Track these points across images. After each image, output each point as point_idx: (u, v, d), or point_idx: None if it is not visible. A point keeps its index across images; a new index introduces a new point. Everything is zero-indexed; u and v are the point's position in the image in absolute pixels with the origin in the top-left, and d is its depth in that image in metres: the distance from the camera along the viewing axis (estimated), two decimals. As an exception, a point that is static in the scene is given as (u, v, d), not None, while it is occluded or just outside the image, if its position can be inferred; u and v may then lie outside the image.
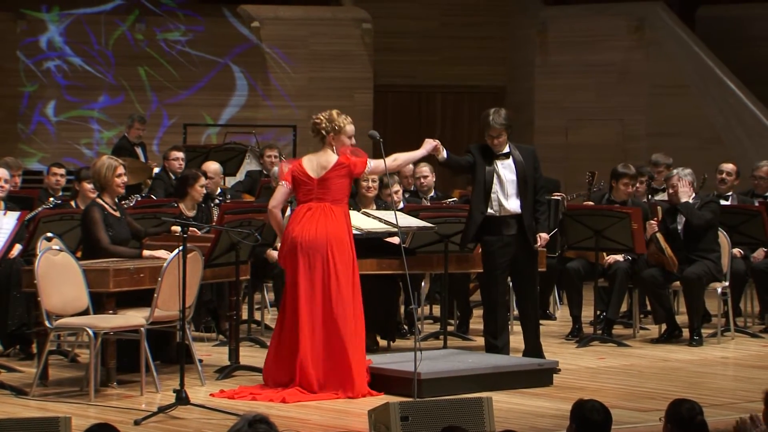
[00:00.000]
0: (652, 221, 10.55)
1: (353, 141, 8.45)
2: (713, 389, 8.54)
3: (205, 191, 10.66)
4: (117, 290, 8.31)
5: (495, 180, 9.09)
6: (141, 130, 14.45)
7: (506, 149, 9.16)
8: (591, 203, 11.22)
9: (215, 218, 10.64)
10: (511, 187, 9.10)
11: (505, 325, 9.33)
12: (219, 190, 11.96)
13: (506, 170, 9.11)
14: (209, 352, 9.73)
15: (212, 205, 11.09)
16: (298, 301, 8.19)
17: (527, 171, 9.12)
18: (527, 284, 9.28)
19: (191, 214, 10.43)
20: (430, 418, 6.16)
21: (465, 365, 8.49)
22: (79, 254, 8.93)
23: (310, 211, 8.25)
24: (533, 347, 9.26)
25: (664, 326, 10.68)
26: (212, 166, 11.79)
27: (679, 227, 10.56)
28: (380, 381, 8.20)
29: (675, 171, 10.68)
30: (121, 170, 8.87)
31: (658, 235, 10.46)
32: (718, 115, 17.57)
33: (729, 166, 11.83)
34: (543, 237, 9.22)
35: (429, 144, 8.71)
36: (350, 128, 8.40)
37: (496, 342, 9.17)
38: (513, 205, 9.10)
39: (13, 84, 17.62)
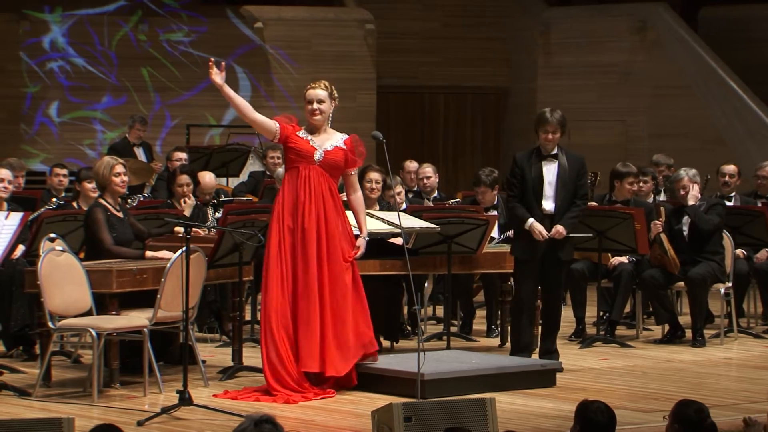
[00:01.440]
0: (657, 221, 10.54)
1: (315, 105, 8.32)
2: (716, 390, 8.53)
3: (186, 189, 10.52)
4: (120, 291, 8.31)
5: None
6: (142, 131, 14.46)
7: (555, 151, 9.17)
8: (595, 204, 11.20)
9: (209, 218, 10.64)
10: (549, 189, 9.13)
11: (528, 323, 9.26)
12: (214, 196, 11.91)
13: (549, 173, 9.14)
14: (212, 353, 9.73)
15: (204, 206, 10.97)
16: None
17: (569, 176, 9.14)
18: (552, 286, 9.27)
19: (187, 212, 10.40)
20: (433, 419, 6.15)
21: (468, 366, 8.48)
22: (82, 255, 8.92)
23: None
24: (546, 348, 9.25)
25: (667, 327, 10.67)
26: (205, 179, 11.47)
27: (684, 228, 10.55)
28: (384, 381, 8.20)
29: (683, 172, 10.62)
30: (119, 169, 8.85)
31: (662, 235, 10.45)
32: (721, 116, 17.56)
33: (731, 168, 11.81)
34: (557, 228, 9.10)
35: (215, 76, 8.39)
36: (307, 94, 8.37)
37: (517, 341, 9.18)
38: (548, 205, 9.13)
39: (16, 85, 17.61)
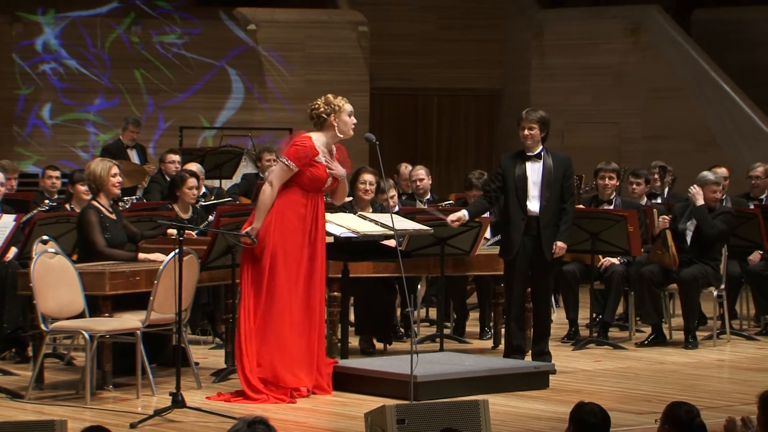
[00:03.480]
0: (665, 216, 10.50)
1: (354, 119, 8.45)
2: (709, 392, 8.55)
3: (196, 192, 10.59)
4: (113, 293, 8.31)
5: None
6: (135, 133, 14.46)
7: (538, 150, 9.17)
8: (581, 206, 11.20)
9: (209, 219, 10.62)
10: (534, 189, 9.14)
11: (517, 326, 9.29)
12: (203, 191, 11.92)
13: (533, 172, 9.16)
14: (205, 355, 9.73)
15: (198, 206, 10.97)
16: None
17: (554, 176, 9.14)
18: (540, 286, 9.28)
19: (186, 216, 10.42)
20: (426, 421, 6.16)
21: (461, 368, 8.49)
22: (74, 257, 8.93)
23: None
24: (539, 350, 9.26)
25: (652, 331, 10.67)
26: (193, 167, 11.61)
27: (689, 230, 10.47)
28: (376, 383, 8.21)
29: (710, 174, 10.62)
30: (115, 170, 8.87)
31: (668, 231, 10.41)
32: (714, 118, 17.58)
33: (723, 171, 11.83)
34: (559, 246, 9.18)
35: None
36: (348, 106, 8.40)
37: (510, 343, 9.19)
38: (533, 206, 9.13)
39: (9, 87, 17.59)
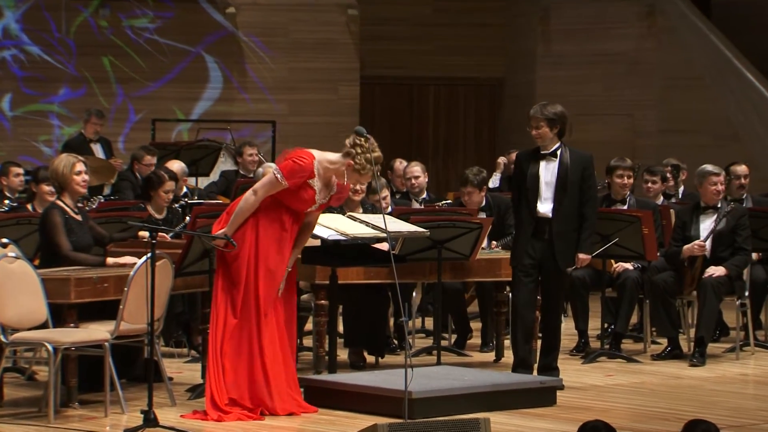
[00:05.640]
0: (702, 245, 10.31)
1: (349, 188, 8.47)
2: (731, 409, 8.56)
3: (171, 195, 10.58)
4: (79, 301, 8.29)
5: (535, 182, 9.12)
6: (99, 126, 14.47)
7: (554, 148, 9.14)
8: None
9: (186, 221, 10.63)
10: (547, 190, 9.09)
11: (524, 338, 9.28)
12: (184, 190, 11.92)
13: (547, 172, 9.11)
14: (180, 369, 9.73)
15: (176, 206, 10.99)
16: None
17: (570, 176, 9.08)
18: (550, 296, 9.26)
19: (160, 217, 10.42)
20: (422, 441, 6.17)
21: (460, 383, 8.50)
22: (37, 262, 8.92)
23: None
24: (546, 364, 9.26)
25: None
26: (175, 166, 11.66)
27: (704, 237, 10.39)
28: (368, 400, 8.21)
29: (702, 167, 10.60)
30: (79, 167, 8.85)
31: (699, 260, 10.34)
32: (736, 109, 17.63)
33: (743, 169, 11.84)
34: (581, 257, 9.16)
35: None
36: (364, 179, 8.35)
37: (516, 356, 9.21)
38: (545, 208, 9.09)
39: (-35, 76, 17.63)
